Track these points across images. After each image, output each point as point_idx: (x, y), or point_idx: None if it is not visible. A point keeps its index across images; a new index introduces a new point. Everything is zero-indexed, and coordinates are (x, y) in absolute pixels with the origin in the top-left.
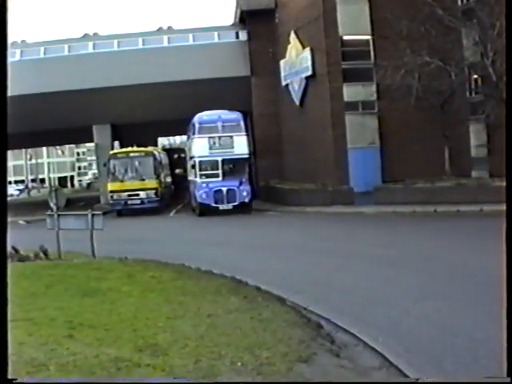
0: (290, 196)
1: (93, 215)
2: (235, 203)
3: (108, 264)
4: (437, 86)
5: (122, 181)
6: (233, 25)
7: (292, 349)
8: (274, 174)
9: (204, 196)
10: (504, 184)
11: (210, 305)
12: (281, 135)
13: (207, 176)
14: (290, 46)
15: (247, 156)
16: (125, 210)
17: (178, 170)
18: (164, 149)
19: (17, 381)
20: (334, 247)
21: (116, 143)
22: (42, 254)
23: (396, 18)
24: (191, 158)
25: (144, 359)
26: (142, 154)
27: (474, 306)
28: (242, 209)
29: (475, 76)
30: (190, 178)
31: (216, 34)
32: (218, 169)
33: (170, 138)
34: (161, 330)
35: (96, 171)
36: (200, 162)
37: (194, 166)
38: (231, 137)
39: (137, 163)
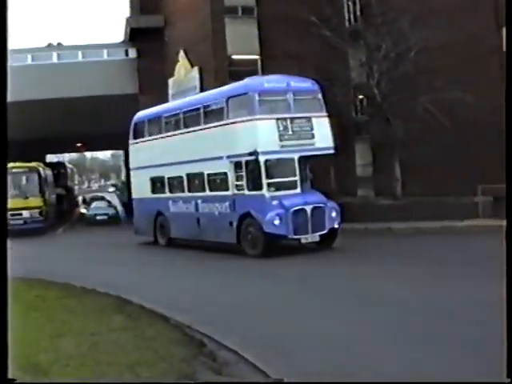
0: None
1: None
2: (323, 231)
3: None
4: None
5: None
6: (123, 42)
7: (173, 367)
8: None
9: (276, 221)
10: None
11: (93, 323)
12: None
13: (277, 186)
14: (178, 65)
15: (333, 151)
16: None
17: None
18: (47, 164)
19: (16, 381)
20: None
21: None
22: None
23: (284, 38)
24: (231, 156)
25: (24, 379)
26: (26, 169)
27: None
28: (327, 239)
29: (361, 96)
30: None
31: (105, 51)
32: (293, 173)
33: (60, 155)
34: (43, 349)
35: None
36: (266, 161)
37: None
38: (309, 119)
39: (20, 180)
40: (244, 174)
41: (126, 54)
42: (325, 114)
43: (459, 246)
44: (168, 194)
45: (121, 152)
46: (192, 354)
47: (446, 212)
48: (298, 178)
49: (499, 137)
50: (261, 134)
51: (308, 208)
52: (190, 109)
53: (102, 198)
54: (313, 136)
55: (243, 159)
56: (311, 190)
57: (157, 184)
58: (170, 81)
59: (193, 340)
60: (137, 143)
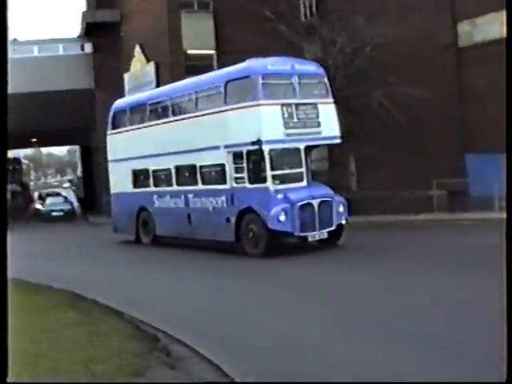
0: None
1: None
2: (331, 228)
3: None
4: None
5: None
6: (78, 37)
7: (127, 362)
8: None
9: (281, 217)
10: None
11: (47, 319)
12: None
13: (282, 179)
14: (134, 60)
15: (339, 140)
16: None
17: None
18: None
19: (16, 382)
20: None
21: None
22: None
23: (239, 33)
24: (229, 146)
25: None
26: None
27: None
28: (332, 237)
29: None
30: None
31: (61, 45)
32: (299, 164)
33: (15, 151)
34: None
35: None
36: (270, 151)
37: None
38: (315, 105)
39: None
40: (245, 165)
41: (82, 49)
42: (331, 100)
43: (414, 239)
44: (153, 188)
45: (77, 147)
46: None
47: (402, 206)
48: (304, 169)
49: (453, 132)
50: (265, 122)
51: (315, 202)
52: (180, 95)
53: (58, 194)
54: (319, 124)
55: (244, 149)
56: (316, 182)
57: (140, 177)
58: (126, 76)
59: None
60: (116, 134)
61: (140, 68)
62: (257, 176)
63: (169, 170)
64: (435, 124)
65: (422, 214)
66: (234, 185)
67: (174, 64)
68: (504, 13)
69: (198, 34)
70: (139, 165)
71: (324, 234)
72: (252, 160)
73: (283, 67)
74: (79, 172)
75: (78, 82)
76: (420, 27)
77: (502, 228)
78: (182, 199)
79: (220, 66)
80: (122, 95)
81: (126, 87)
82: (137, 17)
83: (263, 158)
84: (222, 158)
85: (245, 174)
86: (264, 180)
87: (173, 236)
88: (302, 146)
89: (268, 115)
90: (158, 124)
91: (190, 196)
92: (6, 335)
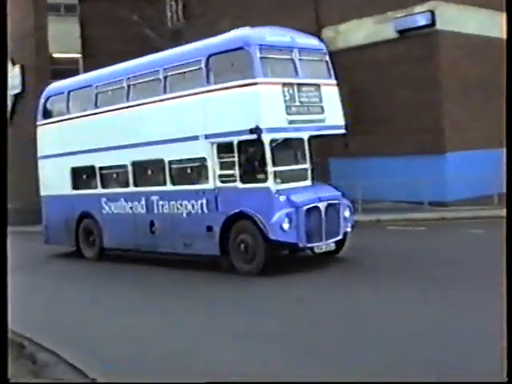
0: None
1: None
2: (338, 237)
3: None
4: None
5: None
6: None
7: None
8: None
9: (285, 225)
10: None
11: None
12: None
13: (283, 177)
14: None
15: (344, 131)
16: None
17: None
18: None
19: (16, 382)
20: None
21: None
22: None
23: (106, 36)
24: (212, 136)
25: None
26: None
27: None
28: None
29: None
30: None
31: None
32: (303, 159)
33: None
34: None
35: None
36: (271, 141)
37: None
38: (318, 87)
39: None
40: (236, 159)
41: None
42: (334, 81)
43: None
44: (100, 190)
45: None
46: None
47: None
48: (308, 165)
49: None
50: (264, 105)
51: (322, 206)
52: (140, 74)
53: None
54: (322, 110)
55: (235, 139)
56: (317, 181)
57: (82, 176)
58: None
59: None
60: (49, 124)
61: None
62: (252, 173)
63: (124, 166)
64: None
65: None
66: (219, 184)
67: (40, 67)
68: (364, 20)
69: (64, 38)
70: (81, 161)
71: (331, 245)
72: (246, 153)
73: (283, 39)
74: None
75: None
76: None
77: (370, 229)
78: (142, 203)
79: (86, 70)
80: None
81: None
82: None
83: (262, 151)
84: (202, 150)
85: (235, 171)
86: (262, 178)
87: (127, 248)
88: (305, 135)
89: (268, 97)
90: (109, 111)
91: (154, 199)
92: (6, 335)
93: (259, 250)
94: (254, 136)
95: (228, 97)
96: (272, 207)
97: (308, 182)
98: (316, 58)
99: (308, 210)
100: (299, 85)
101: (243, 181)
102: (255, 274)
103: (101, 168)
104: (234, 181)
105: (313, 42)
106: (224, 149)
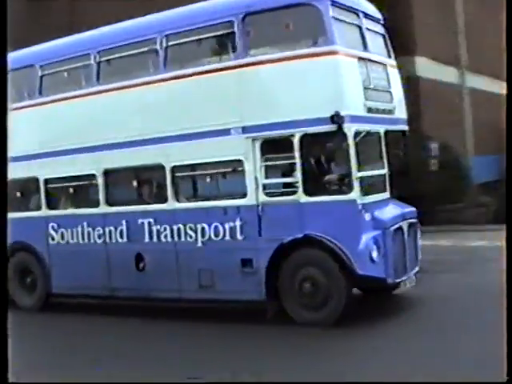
0: None
1: None
2: (417, 268)
3: None
4: None
5: None
6: None
7: None
8: None
9: (374, 253)
10: None
11: None
12: None
13: (367, 187)
14: None
15: (407, 127)
16: None
17: None
18: None
19: (16, 382)
20: None
21: None
22: None
23: None
24: (254, 129)
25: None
26: None
27: None
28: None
29: None
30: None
31: None
32: (381, 162)
33: None
34: None
35: None
36: (355, 135)
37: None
38: (385, 67)
39: None
40: (298, 161)
41: None
42: (395, 62)
43: None
44: (46, 212)
45: None
46: None
47: None
48: (386, 170)
49: None
50: (346, 84)
51: (405, 226)
52: (121, 45)
53: None
54: (391, 97)
55: (296, 133)
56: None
57: (14, 194)
58: None
59: None
60: None
61: None
62: (324, 182)
63: (89, 177)
64: None
65: None
66: (265, 198)
67: None
68: None
69: None
70: (15, 172)
71: (412, 277)
72: (312, 153)
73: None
74: None
75: None
76: None
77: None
78: (121, 229)
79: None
80: None
81: None
82: None
83: (347, 148)
84: (235, 150)
85: (296, 178)
86: (342, 188)
87: (91, 294)
88: (382, 129)
89: (348, 73)
90: (64, 99)
91: (145, 222)
92: (5, 335)
93: (336, 291)
94: (333, 127)
95: (284, 72)
96: (358, 229)
97: (387, 194)
98: (377, 30)
99: (394, 231)
100: (371, 61)
101: (309, 192)
102: (325, 325)
103: (47, 181)
104: (293, 193)
105: (371, 7)
106: (274, 147)
